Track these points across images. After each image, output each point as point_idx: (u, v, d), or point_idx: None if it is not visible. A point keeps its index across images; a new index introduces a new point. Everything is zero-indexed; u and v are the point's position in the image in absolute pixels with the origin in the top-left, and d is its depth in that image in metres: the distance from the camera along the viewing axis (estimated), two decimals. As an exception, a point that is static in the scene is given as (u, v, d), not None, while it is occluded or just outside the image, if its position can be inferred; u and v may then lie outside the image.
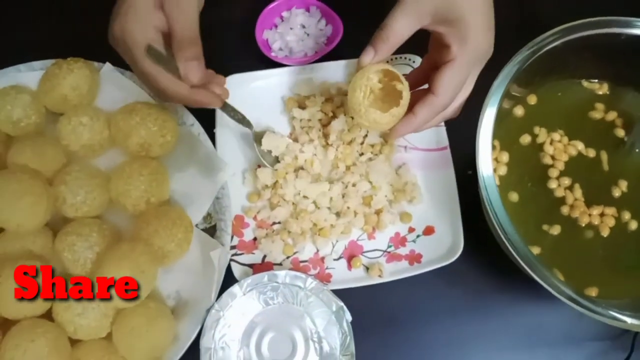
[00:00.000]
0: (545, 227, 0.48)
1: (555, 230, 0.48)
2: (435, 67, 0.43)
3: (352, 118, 0.53)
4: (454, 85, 0.42)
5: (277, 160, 0.53)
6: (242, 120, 0.51)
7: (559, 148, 0.50)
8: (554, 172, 0.50)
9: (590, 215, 0.47)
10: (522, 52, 0.46)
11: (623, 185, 0.49)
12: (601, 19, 0.46)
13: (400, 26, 0.41)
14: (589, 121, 0.52)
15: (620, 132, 0.51)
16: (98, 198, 0.48)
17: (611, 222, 0.48)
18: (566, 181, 0.49)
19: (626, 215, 0.48)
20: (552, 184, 0.49)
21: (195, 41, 0.43)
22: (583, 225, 0.48)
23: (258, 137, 0.52)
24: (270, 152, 0.53)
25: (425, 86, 0.45)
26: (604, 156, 0.50)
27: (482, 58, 0.43)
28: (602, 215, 0.48)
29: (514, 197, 0.49)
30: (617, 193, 0.49)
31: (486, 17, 0.42)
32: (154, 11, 0.42)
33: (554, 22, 0.48)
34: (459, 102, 0.45)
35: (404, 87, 0.43)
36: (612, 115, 0.51)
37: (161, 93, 0.44)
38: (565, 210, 0.49)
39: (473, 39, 0.41)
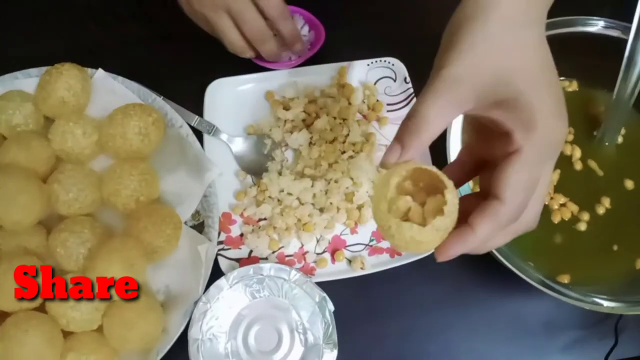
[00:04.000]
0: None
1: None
2: (483, 162, 0.33)
3: (335, 118, 0.56)
4: (524, 186, 0.31)
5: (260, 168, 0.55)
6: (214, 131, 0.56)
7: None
8: None
9: (552, 198, 0.49)
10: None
11: (606, 201, 0.50)
12: (562, 18, 0.48)
13: (435, 114, 0.31)
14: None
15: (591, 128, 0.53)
16: (90, 196, 0.50)
17: (566, 214, 0.49)
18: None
19: (584, 216, 0.50)
20: None
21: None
22: None
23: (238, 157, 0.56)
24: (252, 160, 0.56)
25: (467, 188, 0.36)
26: (592, 163, 0.52)
27: (555, 149, 0.32)
28: (562, 205, 0.50)
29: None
30: (591, 199, 0.50)
31: (555, 96, 0.32)
32: None
33: None
34: (535, 211, 0.33)
35: (449, 189, 0.31)
36: (583, 110, 0.54)
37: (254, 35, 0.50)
38: None
39: (542, 122, 0.31)
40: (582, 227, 0.49)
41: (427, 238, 0.31)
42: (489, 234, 0.31)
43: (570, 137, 0.53)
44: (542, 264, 0.46)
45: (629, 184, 0.50)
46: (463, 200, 0.31)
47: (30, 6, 0.64)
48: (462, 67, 0.31)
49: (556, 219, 0.49)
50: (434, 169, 0.32)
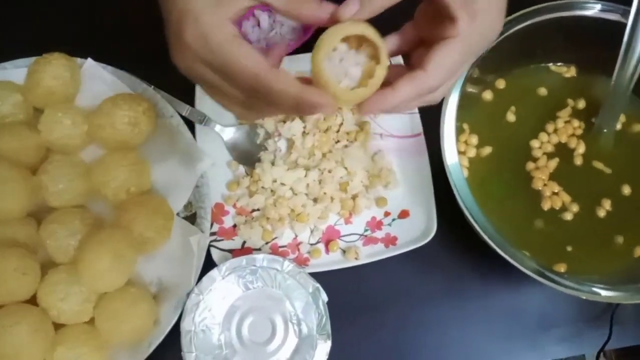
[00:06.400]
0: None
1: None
2: (422, 40, 0.36)
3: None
4: (449, 67, 0.35)
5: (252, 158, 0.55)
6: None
7: (563, 129, 0.51)
8: (536, 144, 0.51)
9: (545, 185, 0.49)
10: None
11: (607, 203, 0.49)
12: (562, 2, 0.47)
13: None
14: (558, 104, 0.53)
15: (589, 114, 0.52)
16: (80, 186, 0.50)
17: (557, 203, 0.49)
18: (549, 148, 0.51)
19: (574, 208, 0.49)
20: (535, 143, 0.51)
21: None
22: (534, 188, 0.50)
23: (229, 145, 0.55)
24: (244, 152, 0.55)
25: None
26: (598, 164, 0.51)
27: (485, 44, 0.37)
28: (554, 194, 0.49)
29: (483, 177, 0.50)
30: (585, 193, 0.50)
31: (502, 2, 0.36)
32: None
33: (537, 2, 0.49)
34: (445, 89, 0.38)
35: (381, 65, 0.34)
36: (580, 98, 0.53)
37: (267, 94, 0.33)
38: (530, 166, 0.50)
39: (485, 18, 0.34)
40: (569, 216, 0.49)
41: (345, 97, 0.34)
42: (408, 97, 0.35)
43: (580, 132, 0.52)
44: (537, 252, 0.45)
45: (626, 190, 0.50)
46: (391, 68, 0.35)
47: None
48: None
49: (546, 206, 0.49)
50: (379, 43, 0.34)
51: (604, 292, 0.43)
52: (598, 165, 0.50)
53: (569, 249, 0.48)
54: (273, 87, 0.33)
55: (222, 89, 0.35)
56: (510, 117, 0.52)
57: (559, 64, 0.53)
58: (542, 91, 0.53)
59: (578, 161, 0.50)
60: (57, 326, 0.46)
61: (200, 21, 0.33)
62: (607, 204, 0.49)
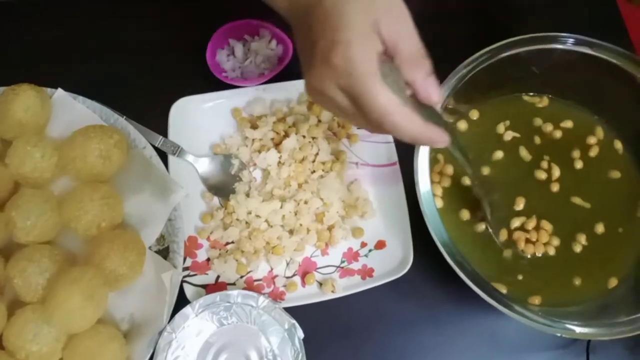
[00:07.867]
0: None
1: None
2: None
3: (304, 137, 0.55)
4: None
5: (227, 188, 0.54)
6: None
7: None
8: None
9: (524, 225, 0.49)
10: (460, 69, 0.47)
11: (582, 238, 0.50)
12: (533, 35, 0.48)
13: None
14: (532, 134, 0.53)
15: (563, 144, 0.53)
16: (49, 221, 0.48)
17: (532, 238, 0.49)
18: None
19: (550, 249, 0.49)
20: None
21: (425, 55, 0.38)
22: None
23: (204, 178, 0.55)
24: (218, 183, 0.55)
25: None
26: (556, 171, 0.51)
27: None
28: (536, 229, 0.50)
29: (456, 207, 0.50)
30: (555, 225, 0.50)
31: None
32: (373, 36, 0.36)
33: (510, 35, 0.49)
34: None
35: None
36: (551, 127, 0.53)
37: (393, 130, 0.37)
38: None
39: None
40: (551, 252, 0.49)
41: None
42: None
43: (555, 167, 0.52)
44: (510, 283, 0.45)
45: (600, 228, 0.50)
46: None
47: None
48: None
49: (520, 245, 0.49)
50: None
51: (578, 329, 0.43)
52: (576, 200, 0.50)
53: (542, 281, 0.48)
54: (399, 126, 0.36)
55: (346, 111, 0.38)
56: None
57: (530, 94, 0.53)
58: (516, 121, 0.53)
59: (555, 194, 0.51)
60: (24, 370, 0.45)
61: (352, 48, 0.35)
62: (582, 239, 0.49)
